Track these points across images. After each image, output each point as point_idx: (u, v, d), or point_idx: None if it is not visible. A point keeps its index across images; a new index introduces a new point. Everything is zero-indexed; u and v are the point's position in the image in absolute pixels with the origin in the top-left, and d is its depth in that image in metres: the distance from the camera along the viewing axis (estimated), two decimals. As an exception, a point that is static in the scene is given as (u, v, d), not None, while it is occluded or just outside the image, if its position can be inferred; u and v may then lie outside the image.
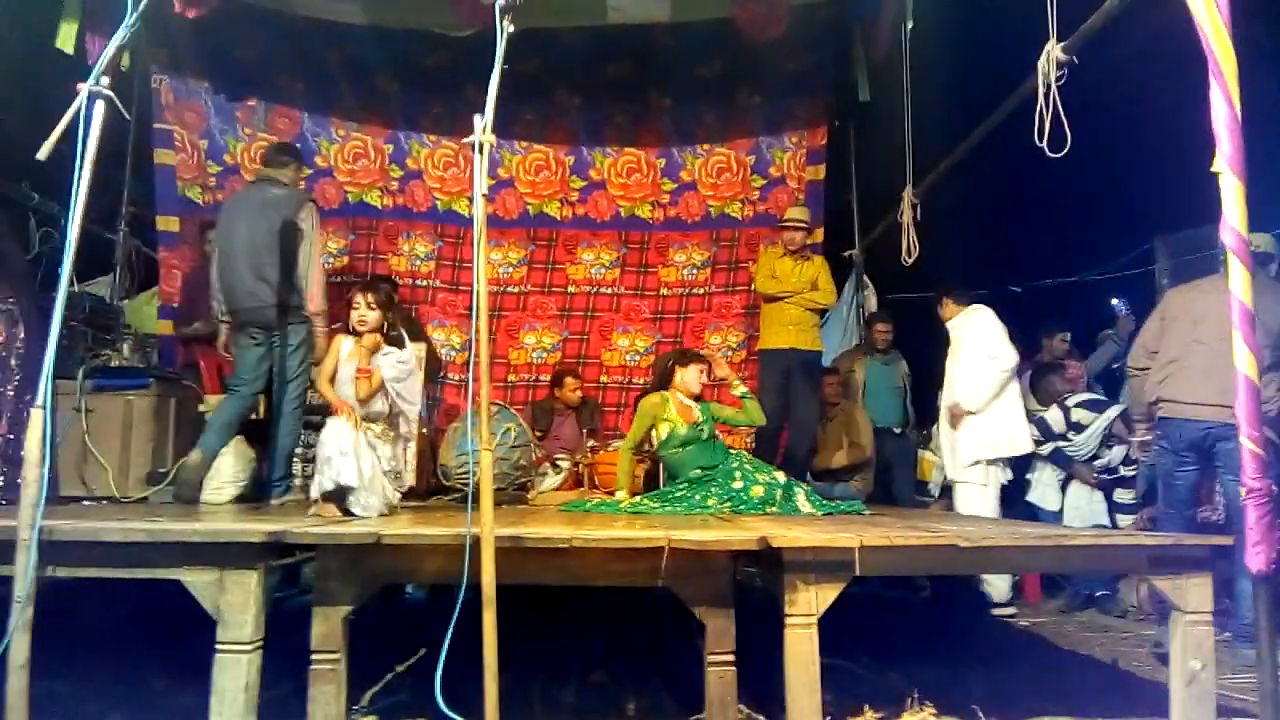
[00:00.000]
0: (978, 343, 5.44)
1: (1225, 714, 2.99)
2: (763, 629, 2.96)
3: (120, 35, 3.02)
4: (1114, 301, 7.29)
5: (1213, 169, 3.00)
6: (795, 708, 2.81)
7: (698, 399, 5.00)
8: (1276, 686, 2.84)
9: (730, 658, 2.83)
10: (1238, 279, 2.95)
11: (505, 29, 2.89)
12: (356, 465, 3.52)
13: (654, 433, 4.91)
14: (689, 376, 4.96)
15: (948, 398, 5.61)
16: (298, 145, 6.79)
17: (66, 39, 5.38)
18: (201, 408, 5.11)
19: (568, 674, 3.53)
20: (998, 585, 5.28)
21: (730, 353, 6.84)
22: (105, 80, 2.92)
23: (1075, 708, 3.08)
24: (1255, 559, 2.84)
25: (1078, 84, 3.97)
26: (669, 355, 5.34)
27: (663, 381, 5.04)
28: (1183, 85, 3.32)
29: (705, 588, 2.88)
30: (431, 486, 5.30)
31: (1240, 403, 2.93)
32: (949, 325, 5.70)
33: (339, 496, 3.53)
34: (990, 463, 5.36)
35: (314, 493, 3.63)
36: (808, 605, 2.88)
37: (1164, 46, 3.50)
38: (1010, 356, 5.34)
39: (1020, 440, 5.38)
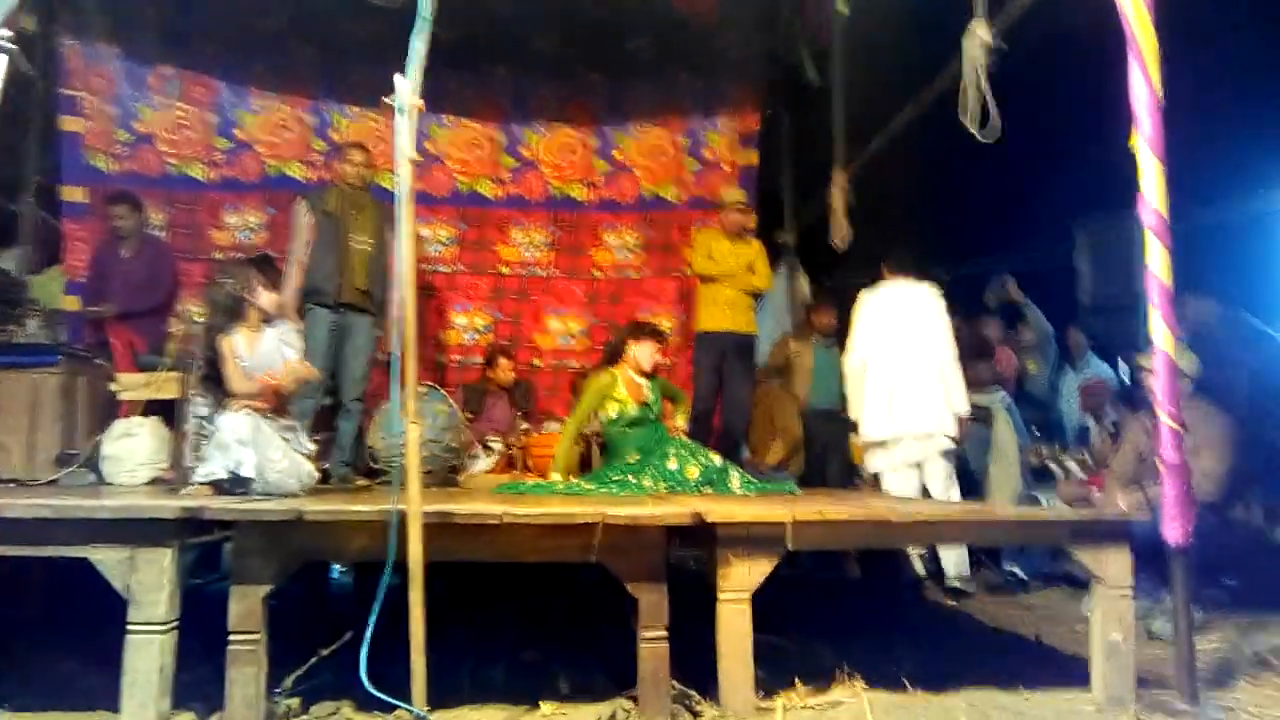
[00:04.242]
0: None
1: (1144, 685, 3.07)
2: (695, 610, 2.95)
3: (21, -15, 2.85)
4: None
5: (1129, 143, 3.07)
6: (728, 681, 2.81)
7: (649, 375, 4.96)
8: (1192, 656, 2.93)
9: (663, 633, 2.81)
10: (1156, 258, 3.02)
11: (431, -5, 2.81)
12: (255, 458, 3.41)
13: (601, 411, 4.86)
14: (641, 352, 4.90)
15: None
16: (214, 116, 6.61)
17: None
18: (113, 387, 4.88)
19: (498, 654, 3.47)
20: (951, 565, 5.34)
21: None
22: (6, 33, 2.76)
23: (999, 680, 3.14)
24: (1172, 532, 2.93)
25: (1004, 67, 4.03)
26: (624, 328, 5.28)
27: (614, 354, 4.97)
28: (1108, 67, 3.39)
29: (639, 563, 2.86)
30: (358, 470, 5.17)
31: (1160, 380, 3.01)
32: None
33: (231, 486, 3.42)
34: (886, 446, 5.37)
35: (199, 477, 3.49)
36: (741, 580, 2.88)
37: (1090, 28, 3.56)
38: (854, 356, 5.45)
39: (878, 423, 5.34)
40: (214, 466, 3.42)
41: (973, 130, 3.98)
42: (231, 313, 3.71)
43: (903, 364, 5.30)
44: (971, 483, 6.00)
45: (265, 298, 3.70)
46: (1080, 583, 4.92)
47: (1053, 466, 5.89)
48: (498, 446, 5.65)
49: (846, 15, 5.46)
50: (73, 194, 6.37)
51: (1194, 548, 2.92)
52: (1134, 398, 5.12)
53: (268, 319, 3.75)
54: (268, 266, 3.88)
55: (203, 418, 3.71)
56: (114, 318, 5.29)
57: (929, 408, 5.26)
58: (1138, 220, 3.07)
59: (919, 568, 5.41)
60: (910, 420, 5.26)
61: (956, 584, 5.21)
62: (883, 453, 5.39)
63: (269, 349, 3.69)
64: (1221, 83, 5.67)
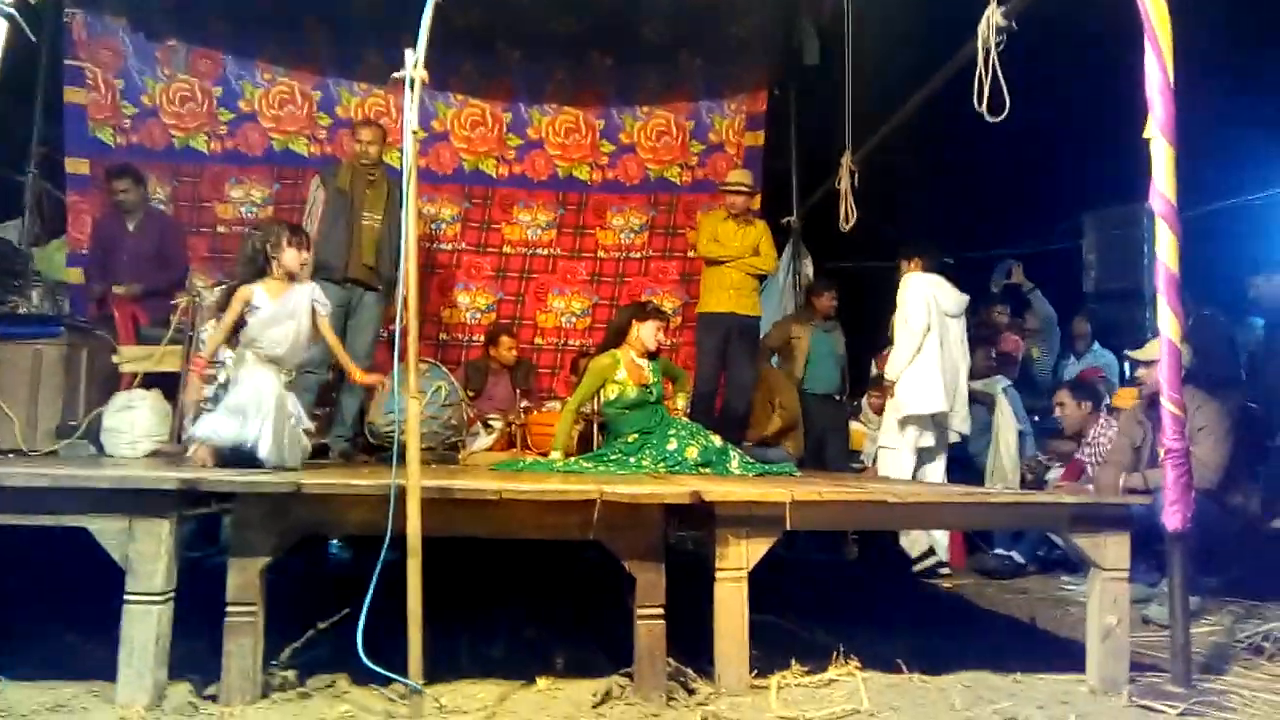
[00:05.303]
0: (899, 311, 5.47)
1: (1138, 669, 3.08)
2: (692, 591, 2.96)
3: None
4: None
5: (1145, 135, 3.05)
6: (724, 660, 2.82)
7: (651, 356, 4.95)
8: (1187, 641, 2.93)
9: (660, 611, 2.81)
10: (1165, 245, 3.00)
11: (442, -36, 2.78)
12: (271, 434, 3.34)
13: (602, 392, 4.85)
14: (645, 332, 4.88)
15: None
16: (218, 87, 6.59)
17: None
18: (115, 359, 4.90)
19: (496, 630, 3.48)
20: (920, 541, 5.38)
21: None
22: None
23: (995, 663, 3.14)
24: (1171, 518, 2.92)
25: (1015, 54, 4.00)
26: (627, 308, 5.26)
27: (618, 334, 4.95)
28: (1120, 55, 3.36)
29: (637, 541, 2.86)
30: (359, 446, 5.18)
31: (1163, 366, 3.00)
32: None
33: (231, 454, 3.36)
34: (903, 424, 5.38)
35: (202, 433, 3.38)
36: (738, 559, 2.88)
37: (1102, 15, 3.53)
38: (918, 318, 5.34)
39: (928, 397, 5.32)
40: (221, 429, 3.33)
41: (982, 112, 3.95)
42: (255, 266, 3.65)
43: (946, 351, 5.41)
44: (970, 467, 6.02)
45: (289, 254, 3.63)
46: (1076, 567, 4.93)
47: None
48: (498, 425, 5.66)
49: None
50: (77, 166, 6.38)
51: (1191, 534, 2.92)
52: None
53: (292, 276, 3.69)
54: (299, 231, 3.82)
55: (220, 363, 3.63)
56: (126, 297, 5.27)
57: (958, 399, 5.47)
58: (1147, 210, 3.06)
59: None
60: (942, 404, 5.34)
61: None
62: (896, 430, 5.41)
63: (299, 304, 3.60)
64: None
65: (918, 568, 5.37)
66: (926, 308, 5.36)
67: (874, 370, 7.10)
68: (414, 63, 2.63)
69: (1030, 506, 3.39)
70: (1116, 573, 3.06)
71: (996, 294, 7.27)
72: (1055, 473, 5.80)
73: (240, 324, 3.53)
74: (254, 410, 3.36)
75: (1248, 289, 5.90)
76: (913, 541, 5.43)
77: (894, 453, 5.42)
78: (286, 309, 3.55)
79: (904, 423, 5.39)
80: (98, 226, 5.82)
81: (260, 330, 3.49)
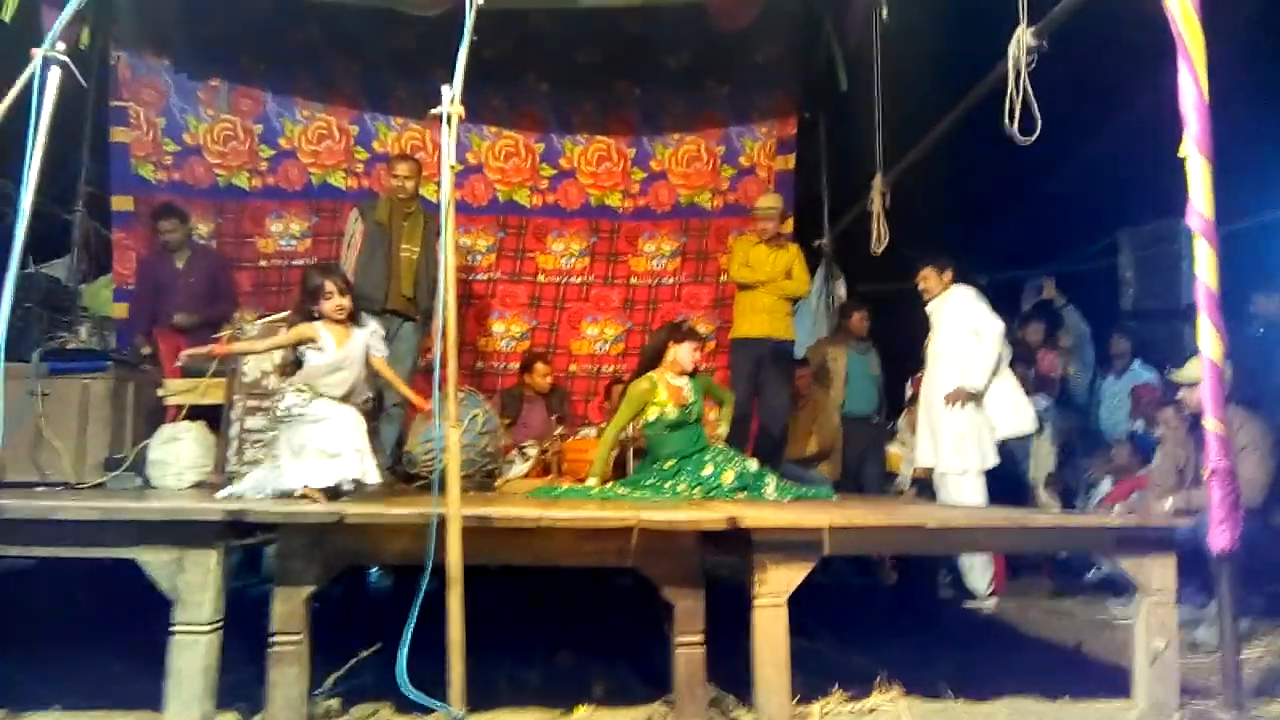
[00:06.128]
0: (960, 322, 5.23)
1: (1187, 694, 3.02)
2: (729, 618, 2.95)
3: (76, 1, 2.94)
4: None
5: (1180, 153, 3.03)
6: (764, 686, 2.81)
7: (690, 374, 4.95)
8: (1237, 665, 2.88)
9: (699, 638, 2.82)
10: (1204, 262, 2.98)
11: (474, 2, 2.85)
12: (375, 467, 3.43)
13: (642, 414, 4.85)
14: (683, 353, 4.87)
15: (936, 384, 5.30)
16: (259, 125, 6.74)
17: (7, 7, 5.26)
18: (160, 392, 5.00)
19: (534, 656, 3.50)
20: (976, 583, 5.25)
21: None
22: (61, 46, 2.85)
23: (1040, 688, 3.10)
24: (1219, 538, 2.88)
25: (1047, 74, 3.99)
26: (662, 329, 5.25)
27: (655, 356, 4.94)
28: (1151, 73, 3.35)
29: (674, 568, 2.86)
30: (397, 475, 5.23)
31: (1206, 385, 2.97)
32: (929, 308, 5.47)
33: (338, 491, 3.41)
34: (972, 447, 5.11)
35: (316, 482, 3.32)
36: (776, 585, 2.87)
37: (1133, 33, 3.52)
38: (996, 326, 5.15)
39: (1021, 416, 5.21)
40: (320, 475, 3.30)
41: (1013, 134, 3.94)
42: (306, 305, 3.72)
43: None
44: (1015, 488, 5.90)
45: (328, 305, 3.68)
46: (1122, 590, 4.84)
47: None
48: (533, 452, 5.68)
49: (887, 20, 5.42)
50: (121, 203, 6.53)
51: (1238, 555, 2.87)
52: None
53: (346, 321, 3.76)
54: (343, 278, 3.86)
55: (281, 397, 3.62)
56: (169, 326, 5.38)
57: None
58: (1184, 227, 3.03)
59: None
60: (1032, 422, 5.32)
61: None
62: (962, 452, 5.11)
63: (358, 350, 3.67)
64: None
65: (974, 605, 5.21)
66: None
67: (909, 391, 7.04)
68: (450, 99, 2.69)
69: (1073, 530, 3.35)
70: (1163, 595, 3.02)
71: (1029, 312, 7.21)
72: (1104, 486, 5.69)
73: (295, 359, 3.61)
74: (349, 448, 3.40)
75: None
76: (969, 568, 5.25)
77: (965, 478, 5.07)
78: (350, 356, 3.62)
79: (972, 443, 5.10)
80: (145, 265, 5.95)
81: (321, 375, 3.54)
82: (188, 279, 5.63)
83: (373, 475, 3.38)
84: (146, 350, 5.47)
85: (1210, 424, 2.92)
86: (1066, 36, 3.98)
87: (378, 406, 5.26)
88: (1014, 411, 5.21)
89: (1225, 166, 2.99)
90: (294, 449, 3.40)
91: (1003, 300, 6.00)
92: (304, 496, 3.25)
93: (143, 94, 6.56)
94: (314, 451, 3.36)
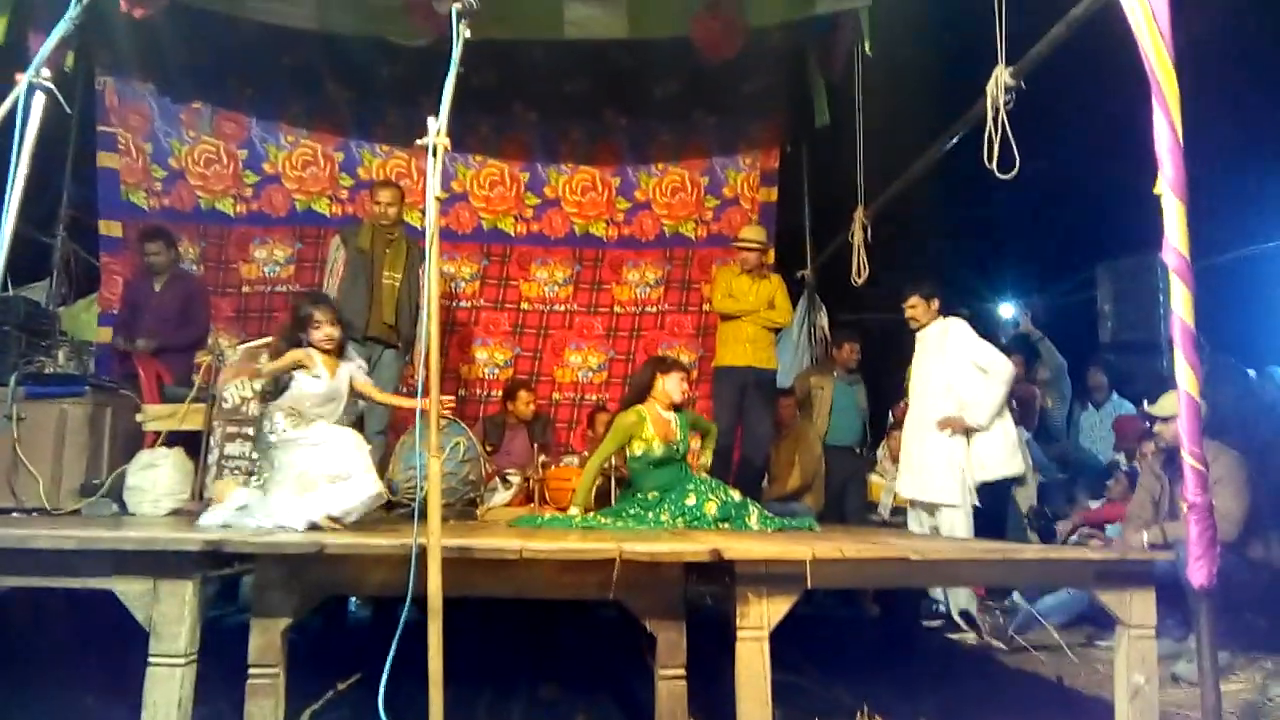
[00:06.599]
0: (961, 356, 5.13)
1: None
2: (712, 648, 2.94)
3: (62, 27, 2.93)
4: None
5: (1155, 190, 3.08)
6: (746, 720, 2.79)
7: (677, 408, 4.95)
8: (1218, 699, 2.88)
9: (681, 670, 2.80)
10: (1179, 299, 3.02)
11: (461, 33, 2.86)
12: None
13: (627, 447, 4.82)
14: (670, 384, 4.86)
15: (926, 413, 5.24)
16: (243, 150, 6.75)
17: None
18: (139, 418, 4.95)
19: (516, 689, 3.46)
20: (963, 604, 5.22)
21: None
22: (46, 72, 2.83)
23: (1022, 722, 3.10)
24: (1197, 574, 2.89)
25: (1025, 109, 4.06)
26: (648, 363, 5.23)
27: (642, 390, 4.92)
28: (1127, 110, 3.41)
29: (657, 600, 2.85)
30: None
31: (1182, 419, 2.99)
32: (919, 334, 5.38)
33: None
34: (962, 479, 5.05)
35: (335, 510, 3.33)
36: (759, 618, 2.86)
37: (1109, 72, 3.59)
38: (1008, 368, 5.06)
39: (1012, 458, 5.11)
40: (339, 503, 3.32)
41: (992, 169, 4.00)
42: (294, 333, 3.74)
43: None
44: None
45: (317, 334, 3.70)
46: (1102, 623, 4.84)
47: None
48: (516, 480, 5.66)
49: (869, 55, 5.50)
50: (110, 228, 6.53)
51: (1216, 589, 2.89)
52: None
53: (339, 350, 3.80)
54: (333, 309, 3.89)
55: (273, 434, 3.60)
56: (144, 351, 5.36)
57: None
58: (1160, 261, 3.07)
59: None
60: (1021, 465, 5.24)
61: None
62: (962, 489, 5.06)
63: (344, 382, 3.75)
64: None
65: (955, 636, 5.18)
66: None
67: (890, 419, 7.07)
68: (437, 130, 2.70)
69: (1054, 563, 3.36)
70: (1143, 629, 3.02)
71: (1006, 345, 7.26)
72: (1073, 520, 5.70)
73: (283, 381, 3.62)
74: (359, 469, 3.41)
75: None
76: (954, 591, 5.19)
77: (958, 511, 5.03)
78: (338, 389, 3.65)
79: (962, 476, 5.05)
80: (127, 287, 5.95)
81: (311, 404, 3.56)
82: (160, 301, 5.61)
83: (378, 486, 3.41)
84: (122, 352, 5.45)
85: (1188, 458, 2.93)
86: (1046, 72, 4.05)
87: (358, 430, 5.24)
88: (1012, 454, 5.12)
89: (1196, 207, 3.03)
90: (297, 477, 3.38)
91: (983, 333, 6.02)
92: (330, 528, 3.24)
93: (130, 119, 6.58)
94: (323, 478, 3.35)
